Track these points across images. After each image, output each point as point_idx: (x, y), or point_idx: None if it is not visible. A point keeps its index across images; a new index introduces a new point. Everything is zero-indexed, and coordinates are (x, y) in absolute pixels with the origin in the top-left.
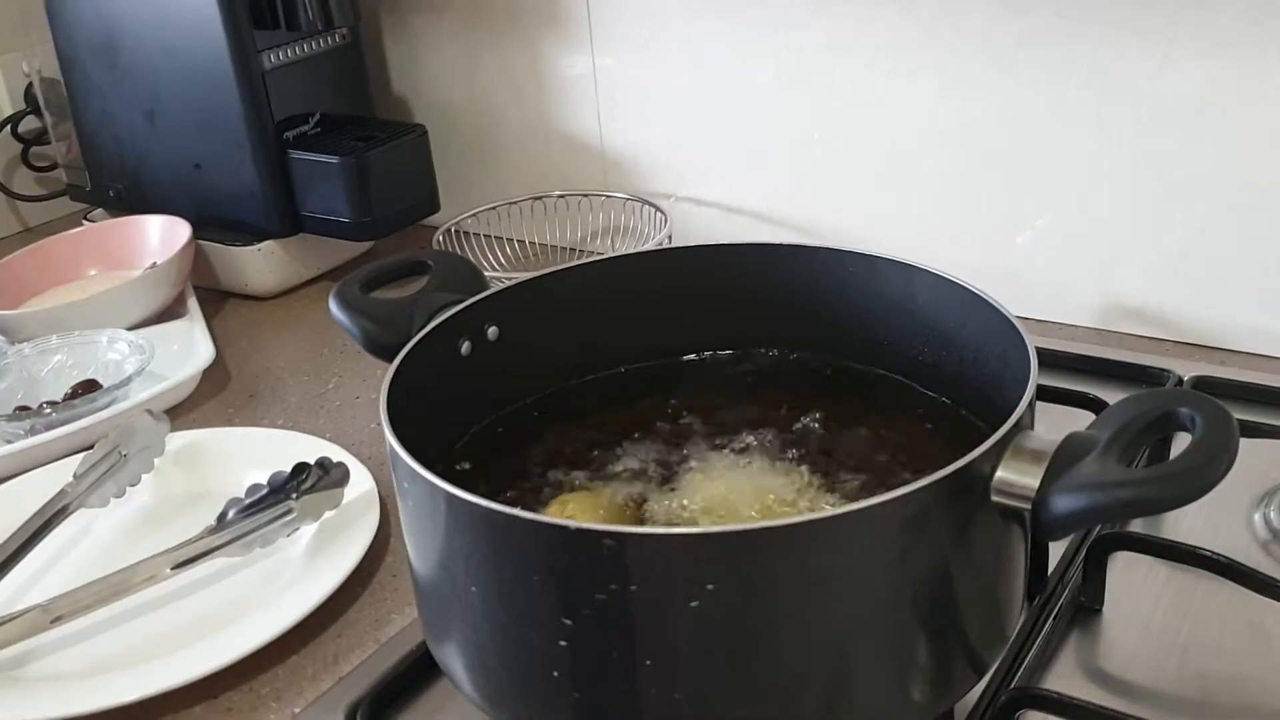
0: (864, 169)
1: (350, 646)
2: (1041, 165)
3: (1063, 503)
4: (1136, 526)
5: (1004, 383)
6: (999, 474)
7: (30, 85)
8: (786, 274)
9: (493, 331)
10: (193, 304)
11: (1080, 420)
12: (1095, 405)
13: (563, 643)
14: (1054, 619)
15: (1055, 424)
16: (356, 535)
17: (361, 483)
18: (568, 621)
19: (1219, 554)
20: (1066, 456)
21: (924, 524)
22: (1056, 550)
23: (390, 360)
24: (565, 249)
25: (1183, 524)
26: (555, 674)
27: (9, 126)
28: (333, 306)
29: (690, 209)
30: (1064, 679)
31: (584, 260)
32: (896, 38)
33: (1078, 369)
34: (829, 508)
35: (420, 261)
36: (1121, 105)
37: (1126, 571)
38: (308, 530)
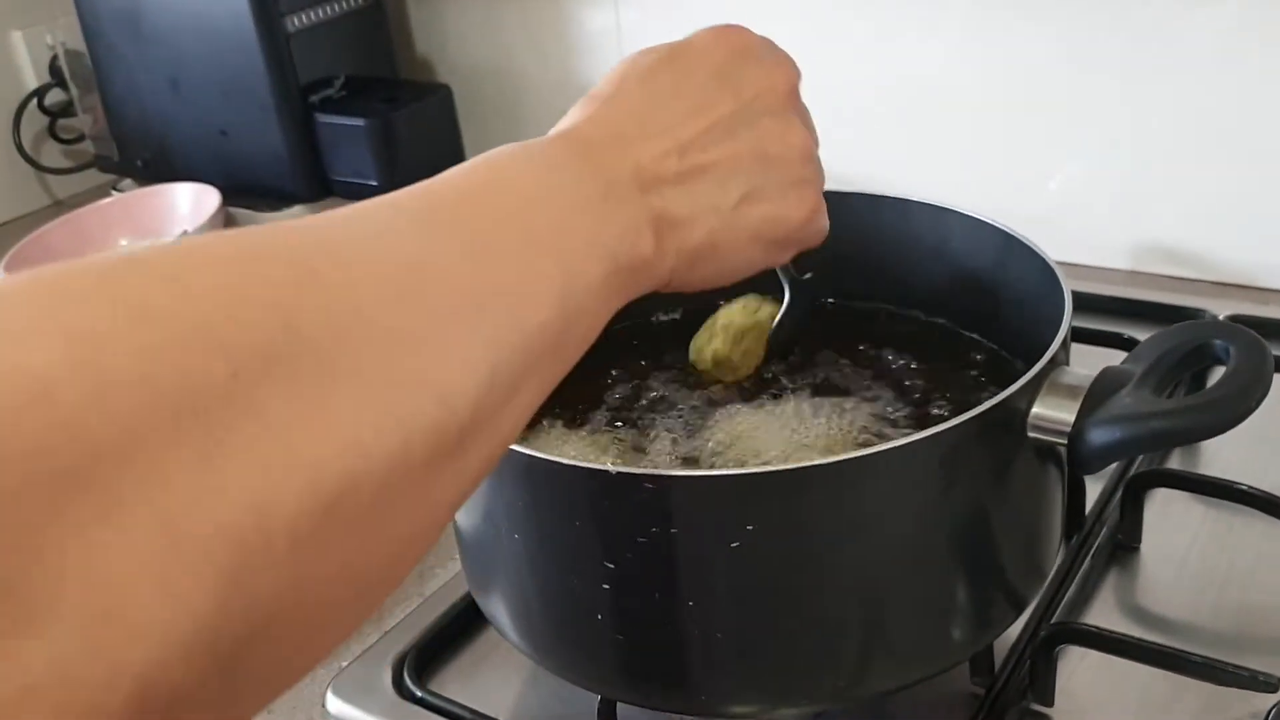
0: (894, 119)
1: (394, 601)
2: (1071, 109)
3: (1098, 435)
4: (1174, 463)
5: (1039, 323)
6: (1035, 409)
7: (55, 58)
8: None
9: None
10: None
11: (1116, 360)
12: (1129, 345)
13: (605, 586)
14: (1092, 557)
15: (1092, 366)
16: None
17: None
18: (610, 565)
19: (1256, 489)
20: (1101, 390)
21: (961, 460)
22: (1094, 489)
23: None
24: None
25: (1219, 460)
26: (599, 617)
27: (35, 100)
28: None
29: None
30: (1103, 616)
31: None
32: None
33: (1113, 311)
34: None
35: None
36: (1150, 46)
37: (1164, 509)
38: None
